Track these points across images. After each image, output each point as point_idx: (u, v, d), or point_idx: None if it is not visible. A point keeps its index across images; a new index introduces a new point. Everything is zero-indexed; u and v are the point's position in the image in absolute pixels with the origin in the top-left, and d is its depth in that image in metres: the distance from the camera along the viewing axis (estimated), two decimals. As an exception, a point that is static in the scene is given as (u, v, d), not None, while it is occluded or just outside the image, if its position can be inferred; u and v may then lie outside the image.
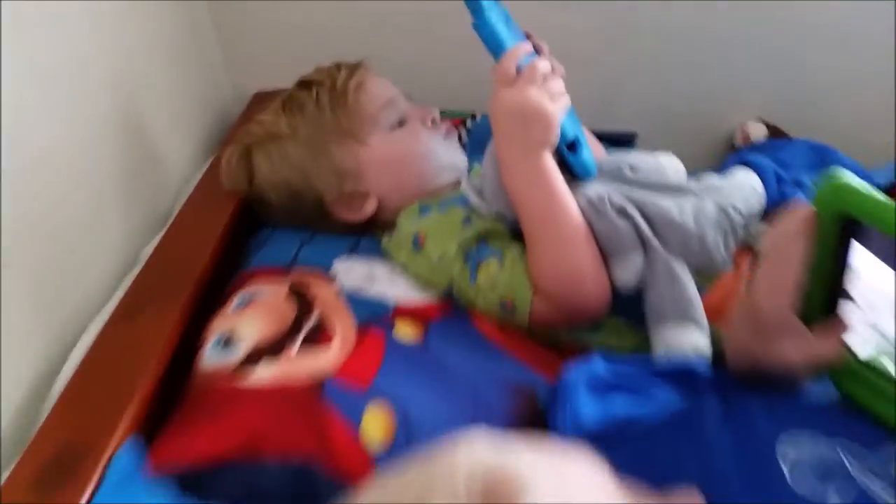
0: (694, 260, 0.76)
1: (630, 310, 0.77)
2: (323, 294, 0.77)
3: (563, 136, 0.76)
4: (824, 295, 0.60)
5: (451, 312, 0.79)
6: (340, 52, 1.15)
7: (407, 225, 0.84)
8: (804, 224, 0.58)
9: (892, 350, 0.59)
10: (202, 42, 1.20)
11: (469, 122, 1.14)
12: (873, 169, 1.04)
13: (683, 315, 0.74)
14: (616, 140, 1.19)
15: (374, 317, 0.76)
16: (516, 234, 0.80)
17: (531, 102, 0.74)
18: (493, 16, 0.73)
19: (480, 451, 0.42)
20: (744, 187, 0.81)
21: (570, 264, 0.75)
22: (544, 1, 1.13)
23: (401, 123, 0.91)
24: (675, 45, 1.23)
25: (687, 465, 0.55)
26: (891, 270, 0.55)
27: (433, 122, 0.93)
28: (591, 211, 0.75)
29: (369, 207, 0.89)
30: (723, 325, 0.75)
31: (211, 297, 0.79)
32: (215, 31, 1.23)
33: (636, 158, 0.83)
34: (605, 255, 0.76)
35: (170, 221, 0.91)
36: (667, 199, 0.77)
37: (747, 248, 0.81)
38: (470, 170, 0.93)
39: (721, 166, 1.14)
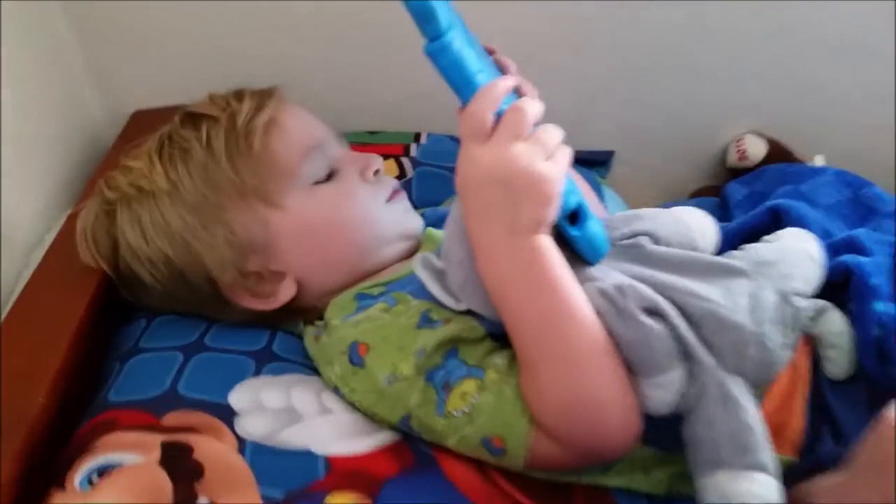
0: (750, 369, 0.54)
1: (664, 437, 0.55)
2: (214, 457, 0.51)
3: (563, 205, 0.52)
4: None
5: (412, 463, 0.55)
6: (242, 61, 0.93)
7: (340, 327, 0.59)
8: None
9: None
10: (57, 50, 0.91)
11: (413, 149, 0.89)
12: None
13: (746, 456, 0.51)
14: (589, 161, 0.98)
15: (296, 489, 0.51)
16: (500, 339, 0.57)
17: (519, 166, 0.50)
18: (455, 35, 0.49)
19: None
20: (801, 259, 0.59)
21: (585, 389, 0.52)
22: (505, 1, 0.89)
23: (329, 176, 0.65)
24: (658, 52, 1.01)
25: None
26: None
27: (376, 174, 0.67)
28: (611, 310, 0.52)
29: (284, 293, 0.64)
30: (783, 446, 0.57)
31: (53, 442, 0.53)
32: (75, 36, 0.94)
33: (652, 220, 0.60)
34: (634, 371, 0.53)
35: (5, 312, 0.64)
36: (709, 286, 0.54)
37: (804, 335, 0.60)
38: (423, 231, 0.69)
39: (722, 196, 0.94)
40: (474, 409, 0.54)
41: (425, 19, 0.47)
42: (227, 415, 0.55)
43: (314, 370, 0.61)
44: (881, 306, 0.60)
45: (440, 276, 0.58)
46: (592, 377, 0.52)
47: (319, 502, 0.50)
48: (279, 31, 0.95)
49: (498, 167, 0.50)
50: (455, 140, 0.92)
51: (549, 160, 0.51)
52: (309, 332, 0.64)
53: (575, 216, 0.54)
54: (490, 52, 0.60)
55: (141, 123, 0.90)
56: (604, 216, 0.63)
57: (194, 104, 0.66)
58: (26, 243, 0.77)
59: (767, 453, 0.52)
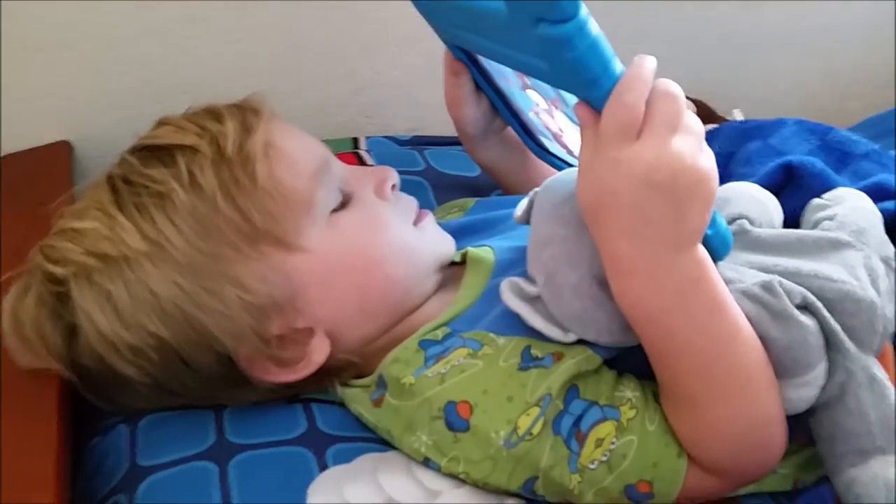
0: (877, 344, 0.50)
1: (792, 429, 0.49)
2: None
3: None
4: None
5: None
6: (121, 76, 0.76)
7: (419, 385, 0.48)
8: None
9: None
10: None
11: (367, 158, 0.77)
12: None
13: (891, 437, 0.47)
14: None
15: None
16: (611, 364, 0.48)
17: (686, 164, 0.41)
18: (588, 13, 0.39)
19: None
20: (877, 219, 0.56)
21: (757, 415, 0.45)
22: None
23: (344, 203, 0.53)
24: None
25: None
26: None
27: (393, 188, 0.56)
28: (763, 314, 0.45)
29: (318, 353, 0.51)
30: None
31: None
32: None
33: (737, 202, 0.54)
34: (778, 374, 0.47)
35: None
36: (830, 265, 0.49)
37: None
38: (457, 249, 0.58)
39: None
40: (613, 455, 0.45)
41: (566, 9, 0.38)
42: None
43: (384, 441, 0.50)
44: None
45: (534, 303, 0.48)
46: (765, 401, 0.45)
47: None
48: (165, 40, 0.78)
49: (661, 168, 0.40)
50: (394, 142, 0.82)
51: (702, 152, 0.42)
52: (357, 396, 0.51)
53: None
54: None
55: (17, 169, 0.71)
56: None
57: (152, 133, 0.51)
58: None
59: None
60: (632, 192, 0.41)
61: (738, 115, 1.01)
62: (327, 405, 0.52)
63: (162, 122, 0.52)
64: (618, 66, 0.41)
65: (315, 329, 0.51)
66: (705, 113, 1.02)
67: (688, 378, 0.45)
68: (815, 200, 0.60)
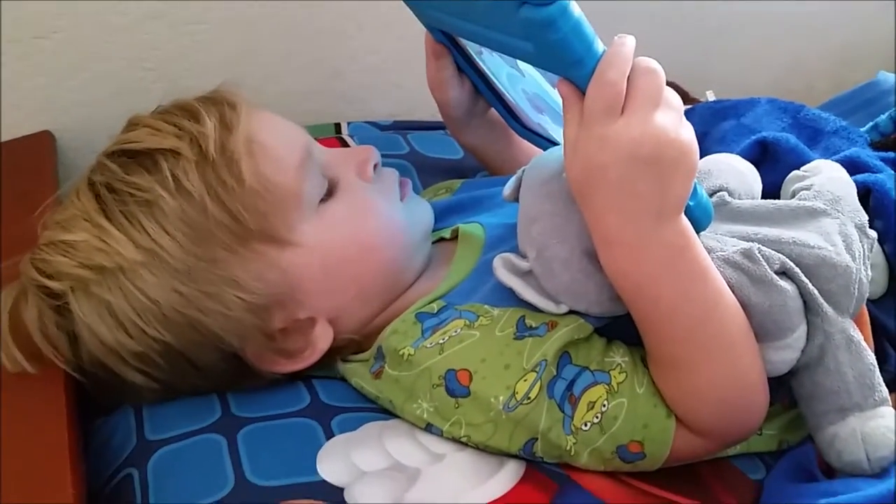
0: (854, 307, 0.52)
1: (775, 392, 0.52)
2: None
3: None
4: None
5: (556, 489, 0.47)
6: (121, 65, 0.77)
7: (419, 355, 0.49)
8: None
9: None
10: None
11: (351, 142, 0.78)
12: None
13: (874, 395, 0.50)
14: None
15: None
16: (602, 332, 0.51)
17: (669, 137, 0.43)
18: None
19: None
20: (852, 189, 0.59)
21: (743, 376, 0.48)
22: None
23: (330, 190, 0.54)
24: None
25: None
26: None
27: (375, 168, 0.57)
28: (744, 280, 0.47)
29: (322, 341, 0.52)
30: None
31: None
32: None
33: (718, 174, 0.56)
34: (759, 337, 0.49)
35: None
36: (807, 232, 0.52)
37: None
38: (447, 226, 0.60)
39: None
40: (605, 417, 0.47)
41: None
42: (333, 493, 0.44)
43: (386, 411, 0.51)
44: (909, 219, 0.62)
45: (526, 278, 0.50)
46: (747, 363, 0.48)
47: None
48: (147, 27, 0.78)
49: (646, 142, 0.42)
50: (376, 127, 0.83)
51: (683, 125, 0.45)
52: (357, 370, 0.53)
53: None
54: None
55: (1, 159, 0.71)
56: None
57: (127, 137, 0.51)
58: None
59: (884, 385, 0.51)
60: (618, 167, 0.43)
61: (710, 97, 1.04)
62: (328, 380, 0.54)
63: (136, 123, 0.51)
64: (599, 45, 0.43)
65: (317, 318, 0.52)
66: (679, 94, 1.04)
67: (673, 343, 0.47)
68: (794, 172, 0.62)
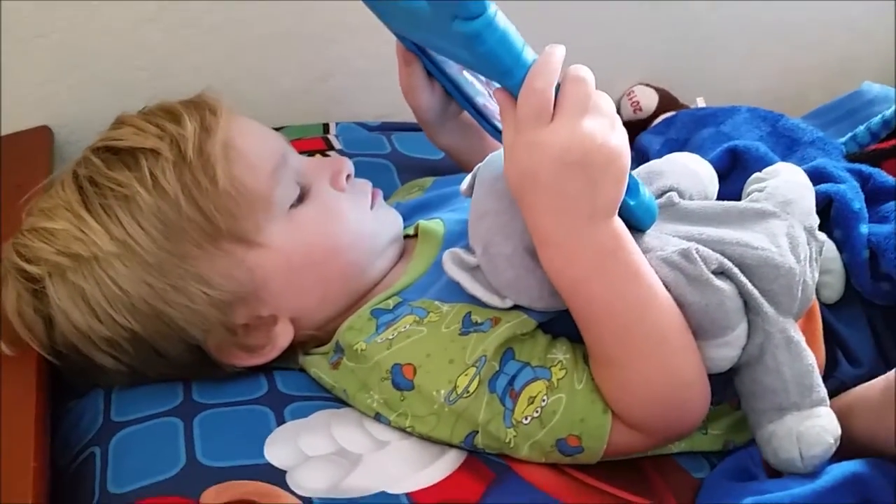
0: (797, 308, 0.54)
1: (713, 391, 0.53)
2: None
3: None
4: None
5: (493, 478, 0.49)
6: (94, 68, 0.79)
7: (370, 350, 0.51)
8: None
9: None
10: None
11: (336, 142, 0.81)
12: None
13: (811, 395, 0.52)
14: None
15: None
16: (547, 327, 0.52)
17: (596, 143, 0.45)
18: (497, 7, 0.43)
19: None
20: (808, 192, 0.60)
21: (676, 373, 0.49)
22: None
23: (302, 194, 0.56)
24: (536, 7, 0.99)
25: None
26: None
27: (348, 178, 0.59)
28: (681, 279, 0.49)
29: (282, 339, 0.54)
30: None
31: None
32: None
33: (671, 174, 0.57)
34: (698, 335, 0.51)
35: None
36: (753, 234, 0.53)
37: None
38: (405, 225, 0.62)
39: (637, 148, 0.95)
40: (545, 411, 0.49)
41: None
42: (275, 475, 0.46)
43: (339, 401, 0.53)
44: (865, 229, 0.63)
45: (474, 272, 0.52)
46: (681, 361, 0.49)
47: None
48: (140, 29, 0.80)
49: (574, 148, 0.44)
50: (363, 127, 0.85)
51: (614, 130, 0.46)
52: (316, 362, 0.55)
53: (629, 187, 0.50)
54: None
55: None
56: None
57: (112, 134, 0.53)
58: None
59: (823, 386, 0.53)
60: (549, 171, 0.45)
61: (700, 103, 1.05)
62: (288, 371, 0.56)
63: (122, 122, 0.54)
64: (530, 55, 0.45)
65: (279, 316, 0.54)
66: (668, 100, 1.06)
67: (608, 340, 0.49)
68: (755, 174, 0.64)
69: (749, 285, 0.51)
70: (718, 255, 0.50)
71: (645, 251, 0.50)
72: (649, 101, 1.04)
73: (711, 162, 0.73)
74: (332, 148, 0.79)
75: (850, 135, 0.84)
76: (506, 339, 0.50)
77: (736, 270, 0.51)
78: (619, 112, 1.04)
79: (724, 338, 0.51)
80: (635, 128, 1.00)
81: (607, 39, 1.04)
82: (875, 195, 0.68)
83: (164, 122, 0.53)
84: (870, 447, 0.52)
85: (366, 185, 0.60)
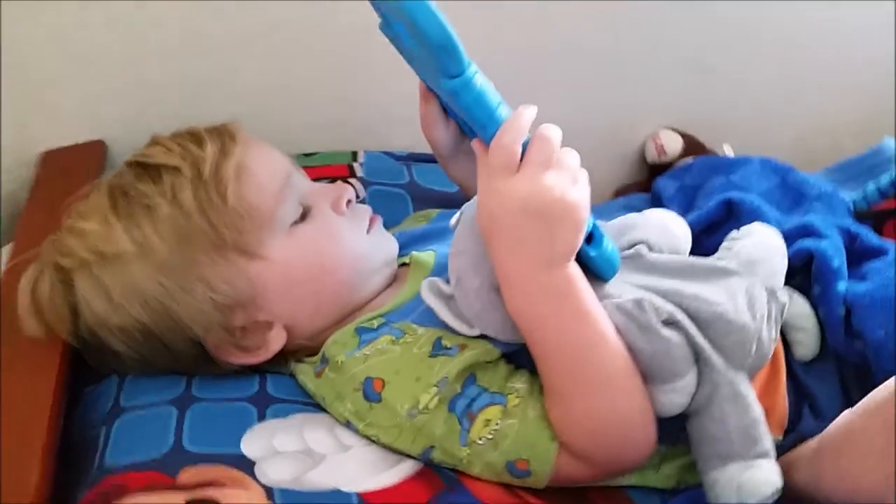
0: (751, 364, 0.57)
1: (666, 434, 0.57)
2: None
3: None
4: None
5: (442, 487, 0.54)
6: (152, 89, 0.87)
7: (348, 363, 0.57)
8: None
9: None
10: None
11: (358, 169, 0.87)
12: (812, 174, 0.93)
13: (755, 448, 0.55)
14: None
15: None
16: (512, 357, 0.57)
17: (553, 195, 0.50)
18: (476, 70, 0.49)
19: None
20: (778, 254, 0.63)
21: (615, 411, 0.53)
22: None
23: (304, 214, 0.62)
24: (574, 47, 1.03)
25: None
26: None
27: (348, 204, 0.65)
28: (631, 326, 0.53)
29: (275, 343, 0.60)
30: (772, 428, 0.59)
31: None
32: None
33: (643, 228, 0.62)
34: (648, 380, 0.55)
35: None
36: (712, 288, 0.57)
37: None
38: (403, 253, 0.67)
39: (654, 192, 0.98)
40: (498, 434, 0.54)
41: (448, 56, 0.47)
42: (245, 464, 0.52)
43: (318, 407, 0.59)
44: (843, 286, 0.66)
45: (449, 301, 0.57)
46: (624, 398, 0.53)
47: None
48: (189, 56, 0.89)
49: (533, 199, 0.49)
50: (391, 157, 0.91)
51: (575, 185, 0.51)
52: (304, 370, 0.61)
53: (590, 236, 0.55)
54: None
55: (54, 164, 0.82)
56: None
57: (144, 152, 0.61)
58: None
59: (770, 440, 0.56)
60: (511, 218, 0.50)
61: (728, 151, 1.07)
62: (280, 376, 0.62)
63: (155, 142, 0.61)
64: (504, 112, 0.50)
65: (274, 322, 0.60)
66: (694, 145, 1.08)
67: (557, 375, 0.53)
68: (731, 233, 0.67)
69: (699, 337, 0.54)
70: (671, 307, 0.54)
71: (603, 297, 0.54)
72: (674, 145, 1.07)
73: (708, 210, 0.76)
74: (353, 175, 0.85)
75: (860, 192, 0.85)
76: (469, 365, 0.55)
77: (686, 322, 0.54)
78: (644, 154, 1.09)
79: (672, 384, 0.54)
80: (659, 170, 1.04)
81: (637, 82, 1.07)
82: (861, 254, 0.71)
83: (189, 144, 0.60)
84: (812, 501, 0.55)
85: (365, 212, 0.66)
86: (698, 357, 0.55)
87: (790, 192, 0.86)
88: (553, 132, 0.51)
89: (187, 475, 0.50)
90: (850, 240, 0.71)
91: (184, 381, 0.59)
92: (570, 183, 0.51)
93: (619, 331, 0.53)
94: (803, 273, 0.69)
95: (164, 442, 0.53)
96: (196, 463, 0.51)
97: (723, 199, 0.77)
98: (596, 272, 0.55)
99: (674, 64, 1.07)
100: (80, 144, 0.83)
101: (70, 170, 0.77)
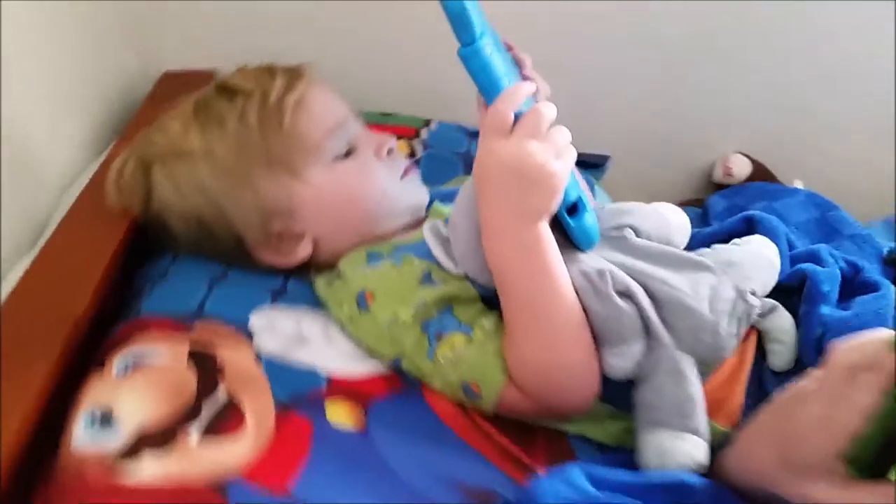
0: (702, 351, 0.62)
1: (618, 397, 0.64)
2: (234, 361, 0.59)
3: (564, 197, 0.60)
4: (884, 448, 0.47)
5: (400, 388, 0.63)
6: (268, 31, 1.00)
7: (352, 276, 0.67)
8: (882, 373, 0.46)
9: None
10: (94, 9, 0.95)
11: (424, 133, 0.97)
12: (868, 223, 0.94)
13: (685, 421, 0.60)
14: (585, 163, 1.05)
15: (300, 394, 0.59)
16: (489, 301, 0.65)
17: (534, 161, 0.57)
18: (487, 42, 0.56)
19: None
20: (762, 263, 0.68)
21: (558, 358, 0.60)
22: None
23: (348, 152, 0.72)
24: (659, 60, 1.08)
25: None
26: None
27: (389, 153, 0.74)
28: (589, 290, 0.60)
29: (302, 251, 0.71)
30: (721, 419, 0.65)
31: (89, 347, 0.61)
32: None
33: (637, 215, 0.68)
34: (599, 341, 0.61)
35: (41, 243, 0.71)
36: (679, 276, 0.63)
37: (754, 329, 0.68)
38: (429, 206, 0.76)
39: (704, 206, 1.02)
40: (459, 358, 0.62)
41: (461, 25, 0.55)
42: (247, 333, 0.63)
43: (322, 311, 0.69)
44: (827, 310, 0.69)
45: (445, 242, 0.65)
46: (567, 349, 0.60)
47: (318, 406, 0.59)
48: (310, 4, 1.01)
49: (515, 160, 0.57)
50: (461, 129, 0.99)
51: (558, 159, 0.58)
52: (320, 279, 0.71)
53: (574, 208, 0.62)
54: (508, 48, 0.67)
55: (170, 84, 0.96)
56: (596, 206, 0.71)
57: (229, 76, 0.72)
58: (59, 185, 0.83)
59: (703, 422, 0.60)
60: (496, 174, 0.58)
61: (798, 185, 1.09)
62: (302, 284, 0.72)
63: (239, 70, 0.73)
64: (507, 83, 0.57)
65: (305, 235, 0.71)
66: (763, 173, 1.11)
67: (515, 318, 0.61)
68: (734, 240, 0.72)
69: (651, 312, 0.60)
70: (631, 282, 0.60)
71: (573, 261, 0.62)
72: (742, 169, 1.11)
73: (730, 224, 0.81)
74: (417, 136, 0.95)
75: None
76: (447, 296, 0.63)
77: (641, 297, 0.60)
78: (711, 173, 1.13)
79: (619, 348, 0.61)
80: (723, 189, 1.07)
81: (723, 105, 1.11)
82: (859, 287, 0.73)
83: (264, 75, 0.71)
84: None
85: (403, 162, 0.76)
86: (649, 331, 0.61)
87: (825, 227, 0.89)
88: (548, 109, 0.58)
89: (199, 328, 0.62)
90: (854, 272, 0.74)
91: (220, 268, 0.71)
92: (553, 155, 0.58)
93: (577, 292, 0.60)
94: (799, 293, 0.72)
95: (190, 302, 0.65)
96: (209, 322, 0.63)
97: (745, 215, 0.81)
98: (574, 240, 0.62)
99: (765, 94, 1.10)
100: (195, 70, 0.97)
101: (180, 90, 0.91)
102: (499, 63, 0.58)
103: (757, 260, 0.67)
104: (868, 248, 0.84)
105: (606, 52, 1.07)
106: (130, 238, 0.71)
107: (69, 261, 0.67)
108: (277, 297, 0.68)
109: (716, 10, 1.02)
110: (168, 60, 1.01)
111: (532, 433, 0.65)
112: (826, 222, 0.89)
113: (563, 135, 0.60)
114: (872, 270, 0.75)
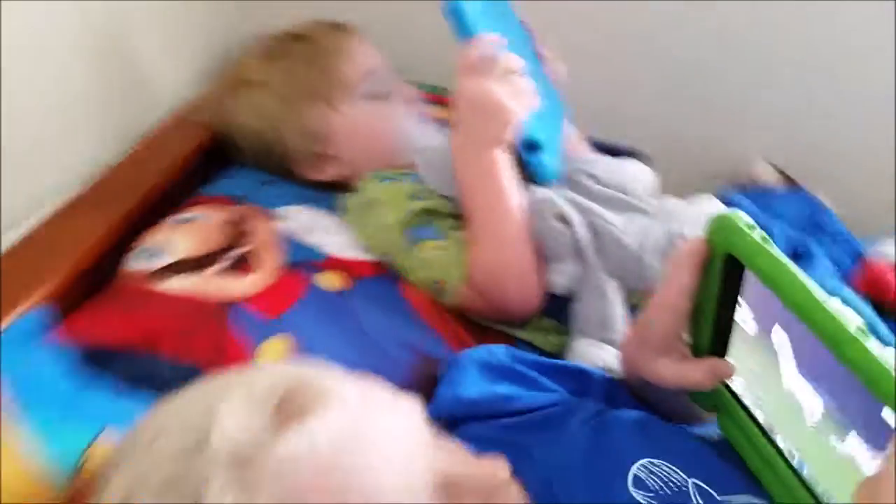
0: (629, 279, 0.75)
1: (561, 314, 0.77)
2: (260, 229, 0.79)
3: (525, 136, 0.75)
4: (715, 330, 0.56)
5: (383, 273, 0.80)
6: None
7: (365, 188, 0.84)
8: (694, 255, 0.54)
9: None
10: None
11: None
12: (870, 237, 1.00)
13: (603, 333, 0.73)
14: (618, 153, 1.14)
15: (303, 261, 0.77)
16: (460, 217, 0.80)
17: (489, 96, 0.73)
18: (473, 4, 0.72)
19: (286, 366, 0.45)
20: (698, 217, 0.79)
21: (501, 262, 0.74)
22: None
23: (384, 97, 0.89)
24: (694, 59, 1.13)
25: (538, 450, 0.56)
26: (754, 324, 0.52)
27: (416, 102, 0.92)
28: (533, 210, 0.75)
29: (332, 170, 0.89)
30: None
31: (158, 212, 0.82)
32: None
33: (602, 167, 0.82)
34: (543, 259, 0.75)
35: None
36: (617, 216, 0.76)
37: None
38: None
39: (719, 197, 1.11)
40: (432, 259, 0.77)
41: None
42: (276, 216, 0.83)
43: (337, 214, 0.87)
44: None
45: (432, 168, 0.82)
46: (508, 253, 0.75)
47: (315, 271, 0.77)
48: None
49: (477, 95, 0.73)
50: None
51: (513, 98, 0.74)
52: (346, 195, 0.88)
53: (531, 147, 0.77)
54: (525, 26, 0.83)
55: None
56: (576, 156, 0.86)
57: (299, 26, 0.92)
58: (172, 99, 1.02)
59: (620, 338, 0.72)
60: (463, 105, 0.74)
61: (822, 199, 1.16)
62: (327, 194, 0.89)
63: (304, 23, 0.92)
64: (478, 31, 0.73)
65: (336, 156, 0.88)
66: (788, 183, 1.18)
67: (472, 220, 0.76)
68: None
69: (580, 233, 0.74)
70: (568, 210, 0.75)
71: (528, 191, 0.76)
72: (766, 176, 1.18)
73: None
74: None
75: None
76: (428, 209, 0.79)
77: (577, 224, 0.74)
78: (737, 176, 1.21)
79: (557, 265, 0.75)
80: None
81: (757, 115, 1.17)
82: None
83: (322, 27, 0.91)
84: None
85: (427, 114, 0.92)
86: (582, 255, 0.74)
87: (810, 221, 0.97)
88: (514, 61, 0.74)
89: (241, 207, 0.83)
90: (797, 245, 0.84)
91: (271, 176, 0.90)
92: (510, 95, 0.73)
93: (524, 210, 0.75)
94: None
95: (241, 190, 0.86)
96: (251, 205, 0.84)
97: (724, 201, 0.91)
98: (531, 175, 0.77)
99: (799, 105, 1.14)
100: (337, 23, 1.03)
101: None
102: (477, 17, 0.73)
103: (696, 214, 0.79)
104: (844, 245, 0.92)
105: (639, 45, 1.11)
106: (213, 146, 0.93)
107: (159, 152, 0.90)
108: (306, 200, 0.87)
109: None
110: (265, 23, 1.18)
111: (487, 332, 0.79)
112: (811, 217, 0.97)
113: (525, 84, 0.75)
114: (818, 255, 0.84)
